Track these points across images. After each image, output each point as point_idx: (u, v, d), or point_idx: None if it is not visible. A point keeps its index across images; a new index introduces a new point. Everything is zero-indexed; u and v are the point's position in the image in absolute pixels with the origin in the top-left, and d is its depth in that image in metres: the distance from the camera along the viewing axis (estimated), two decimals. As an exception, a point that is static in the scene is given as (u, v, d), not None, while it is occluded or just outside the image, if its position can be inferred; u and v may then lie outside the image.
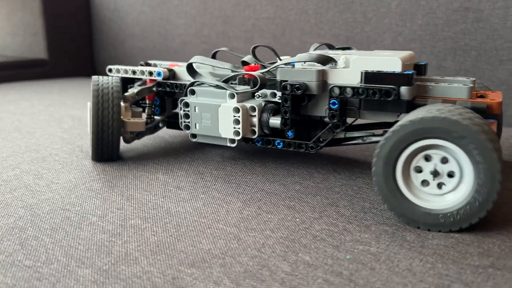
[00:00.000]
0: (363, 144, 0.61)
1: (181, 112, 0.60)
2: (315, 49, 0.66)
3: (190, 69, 0.63)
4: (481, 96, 0.54)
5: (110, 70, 0.70)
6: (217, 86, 0.59)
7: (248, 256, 0.41)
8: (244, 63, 0.65)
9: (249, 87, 0.60)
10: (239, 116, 0.57)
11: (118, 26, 1.54)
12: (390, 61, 0.53)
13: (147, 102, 0.70)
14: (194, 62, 0.63)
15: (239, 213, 0.50)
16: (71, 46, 1.62)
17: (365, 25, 1.05)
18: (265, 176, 0.62)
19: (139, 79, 0.70)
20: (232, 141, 0.59)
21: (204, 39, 1.34)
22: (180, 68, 0.68)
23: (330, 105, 0.55)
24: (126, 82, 0.72)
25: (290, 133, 0.59)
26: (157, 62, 0.76)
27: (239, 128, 0.57)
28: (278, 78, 0.57)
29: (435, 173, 0.46)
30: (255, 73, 0.59)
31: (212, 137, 0.60)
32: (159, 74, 0.66)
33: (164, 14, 1.41)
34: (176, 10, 1.38)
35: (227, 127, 0.58)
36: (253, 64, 0.63)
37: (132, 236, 0.45)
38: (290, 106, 0.56)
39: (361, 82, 0.53)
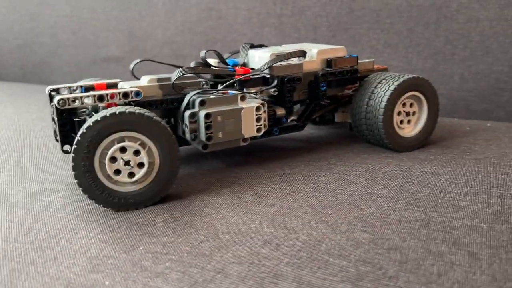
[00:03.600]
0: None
1: (197, 125, 0.59)
2: (249, 48, 0.71)
3: (177, 86, 0.61)
4: None
5: (64, 104, 0.54)
6: (237, 92, 0.62)
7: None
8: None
9: (232, 89, 0.63)
10: (260, 114, 0.62)
11: None
12: (339, 50, 0.69)
13: None
14: (183, 75, 0.61)
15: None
16: None
17: (141, 22, 1.25)
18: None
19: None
20: (246, 140, 0.63)
21: (16, 35, 1.46)
22: (139, 83, 0.62)
23: (320, 88, 0.66)
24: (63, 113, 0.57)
25: (284, 120, 0.67)
26: (63, 86, 0.58)
27: (260, 125, 0.62)
28: (275, 73, 0.65)
29: (407, 114, 0.67)
30: (252, 72, 0.65)
31: (228, 142, 0.61)
32: (137, 94, 0.58)
33: (-24, 12, 1.51)
34: (-14, 9, 1.49)
35: (249, 127, 0.61)
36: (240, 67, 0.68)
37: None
38: (292, 96, 0.66)
39: (326, 67, 0.67)
